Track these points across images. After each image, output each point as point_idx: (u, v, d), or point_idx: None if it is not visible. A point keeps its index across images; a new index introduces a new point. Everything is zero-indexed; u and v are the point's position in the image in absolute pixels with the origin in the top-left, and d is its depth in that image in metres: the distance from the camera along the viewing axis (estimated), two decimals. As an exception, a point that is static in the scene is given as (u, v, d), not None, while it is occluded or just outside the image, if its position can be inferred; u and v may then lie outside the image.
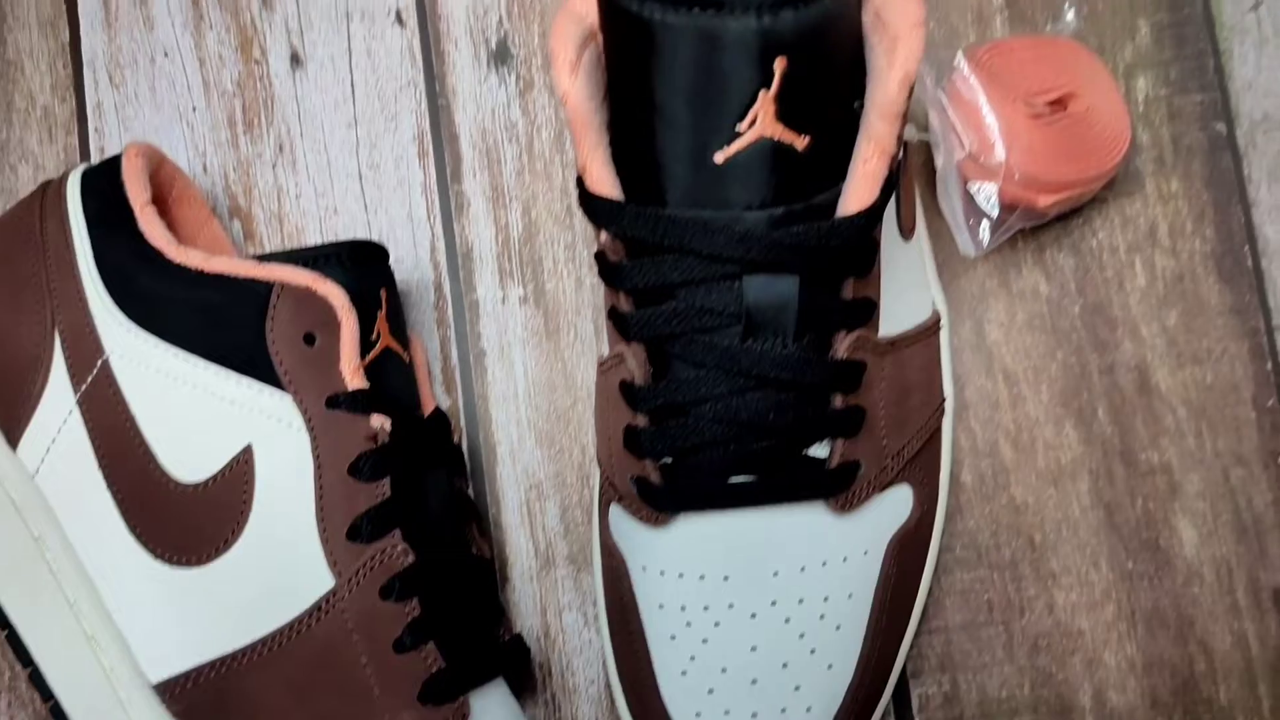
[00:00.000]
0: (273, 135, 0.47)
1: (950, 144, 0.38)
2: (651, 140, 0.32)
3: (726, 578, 0.37)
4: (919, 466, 0.40)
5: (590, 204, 0.33)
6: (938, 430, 0.41)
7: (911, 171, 0.39)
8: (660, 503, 0.36)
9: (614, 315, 0.35)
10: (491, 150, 0.47)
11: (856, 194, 0.33)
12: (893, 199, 0.37)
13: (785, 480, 0.36)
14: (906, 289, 0.40)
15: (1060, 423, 0.43)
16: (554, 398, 0.45)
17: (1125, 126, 0.42)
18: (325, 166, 0.47)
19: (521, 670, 0.43)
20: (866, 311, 0.35)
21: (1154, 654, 0.42)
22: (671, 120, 0.32)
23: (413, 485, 0.39)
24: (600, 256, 0.35)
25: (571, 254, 0.46)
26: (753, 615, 0.37)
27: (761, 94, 0.31)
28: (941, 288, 0.43)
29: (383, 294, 0.40)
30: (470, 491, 0.45)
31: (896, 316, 0.38)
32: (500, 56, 0.47)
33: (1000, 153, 0.38)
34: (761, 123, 0.31)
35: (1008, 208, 0.40)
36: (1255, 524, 0.42)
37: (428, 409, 0.43)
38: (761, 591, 0.37)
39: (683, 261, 0.33)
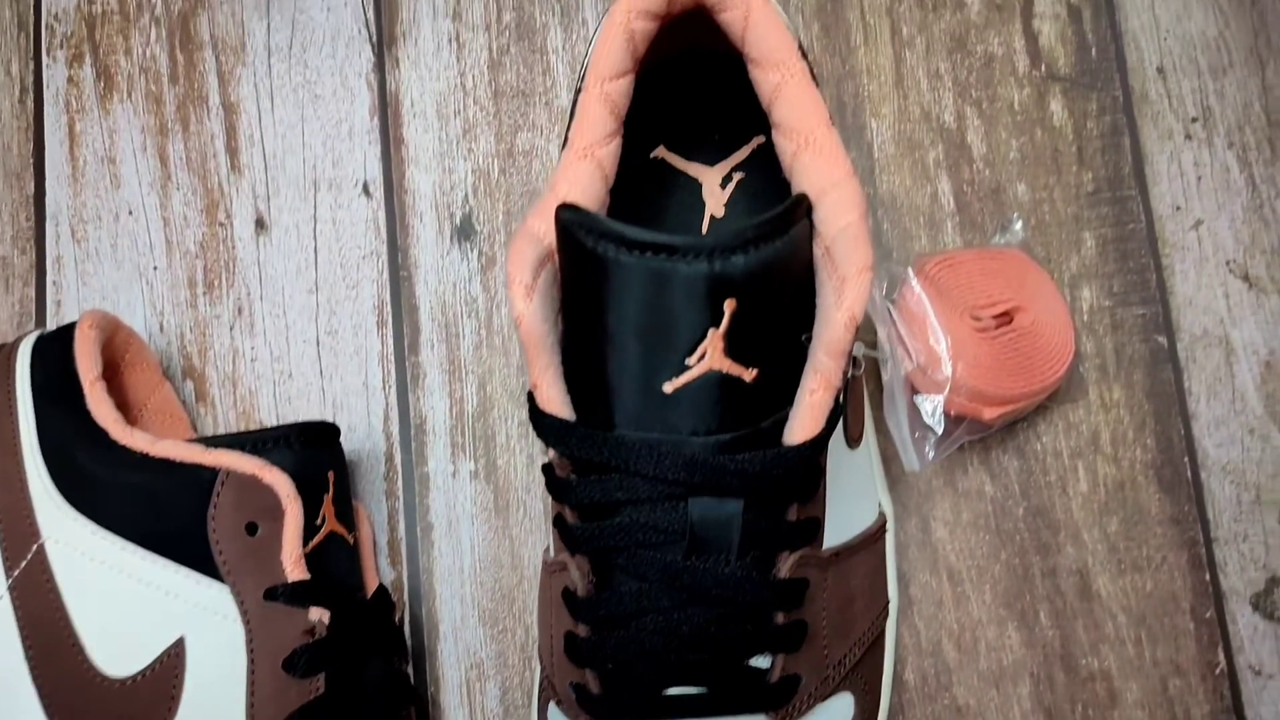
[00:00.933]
0: (232, 297, 0.47)
1: (898, 358, 0.39)
2: (603, 366, 0.33)
3: (658, 794, 0.36)
4: (861, 673, 0.40)
5: (540, 422, 0.34)
6: (881, 634, 0.41)
7: (860, 382, 0.40)
8: (598, 712, 0.36)
9: (560, 524, 0.36)
10: (450, 324, 0.47)
11: (802, 424, 0.33)
12: (840, 416, 0.38)
13: (725, 692, 0.36)
14: (852, 497, 0.40)
15: (1003, 624, 0.44)
16: (500, 575, 0.45)
17: (1069, 339, 0.43)
18: (283, 330, 0.47)
19: None
20: (810, 531, 0.36)
21: None
22: (622, 349, 0.32)
23: (350, 676, 0.38)
24: (548, 470, 0.35)
25: (525, 430, 0.46)
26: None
27: (711, 332, 0.31)
28: (888, 488, 0.44)
29: (330, 476, 0.40)
30: (409, 670, 0.45)
31: (842, 527, 0.39)
32: (464, 232, 0.48)
33: (947, 367, 0.39)
34: (710, 358, 0.32)
35: (954, 421, 0.40)
36: (1192, 737, 0.43)
37: (370, 588, 0.43)
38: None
39: (629, 482, 0.33)
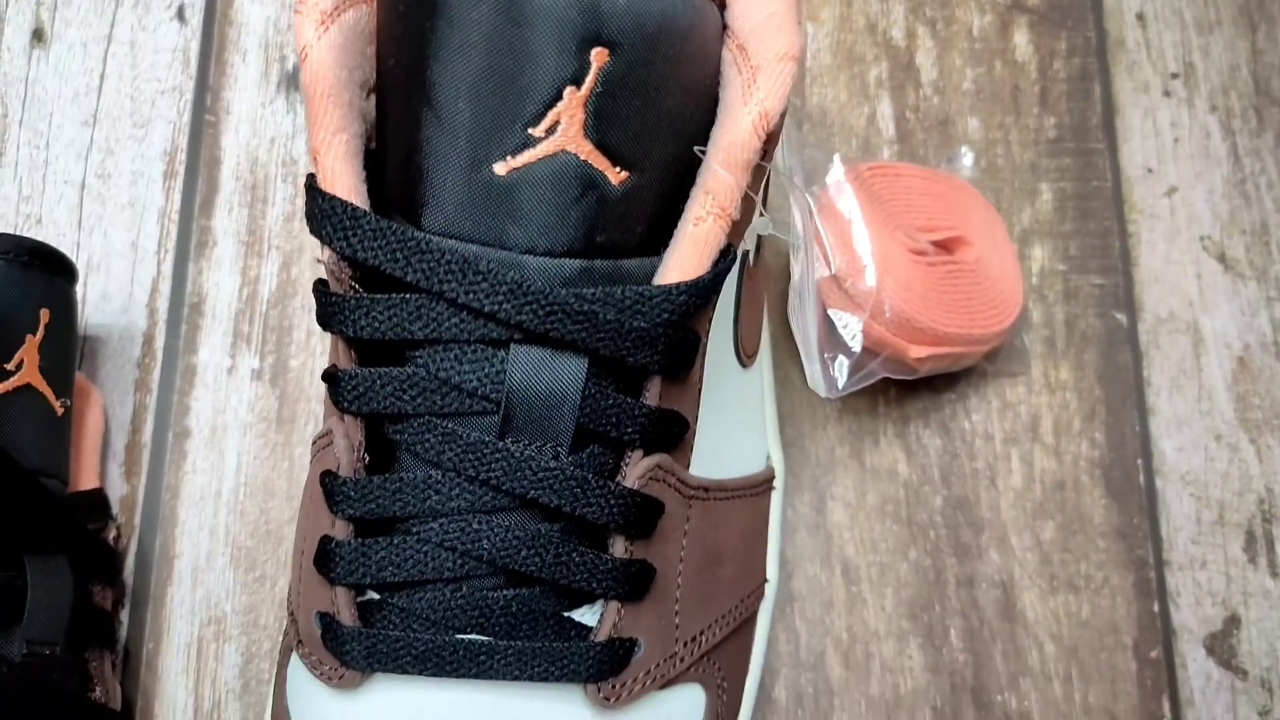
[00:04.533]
0: (-17, 117, 0.37)
1: (813, 255, 0.30)
2: (416, 136, 0.23)
3: (427, 781, 0.26)
4: (719, 663, 0.30)
5: (315, 207, 0.24)
6: (751, 619, 0.31)
7: (761, 279, 0.31)
8: (348, 655, 0.25)
9: (328, 376, 0.25)
10: (259, 186, 0.37)
11: (680, 261, 0.24)
12: (732, 308, 0.29)
13: (532, 649, 0.25)
14: (735, 428, 0.31)
15: (904, 639, 0.34)
16: (269, 506, 0.34)
17: (1018, 290, 0.35)
18: (41, 165, 0.37)
19: None
20: (675, 431, 0.26)
21: None
22: (445, 111, 0.23)
23: (7, 577, 0.27)
24: (320, 287, 0.25)
25: (332, 329, 0.36)
26: (455, 843, 0.25)
27: (569, 92, 0.22)
28: (781, 443, 0.34)
29: (42, 316, 0.30)
30: (123, 615, 0.33)
31: (718, 457, 0.29)
32: (295, 80, 0.38)
33: (870, 278, 0.31)
34: (565, 132, 0.23)
35: (871, 349, 0.32)
36: (1126, 807, 0.33)
37: (83, 485, 0.32)
38: (474, 808, 0.26)
39: (430, 309, 0.24)
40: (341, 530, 0.25)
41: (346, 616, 0.25)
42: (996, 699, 0.34)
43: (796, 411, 0.36)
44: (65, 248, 0.36)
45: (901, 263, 0.32)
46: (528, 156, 0.23)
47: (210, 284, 0.36)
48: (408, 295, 0.24)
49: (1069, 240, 0.38)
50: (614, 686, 0.27)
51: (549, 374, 0.24)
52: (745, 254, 0.29)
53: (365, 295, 0.24)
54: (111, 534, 0.32)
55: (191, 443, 0.35)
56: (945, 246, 0.34)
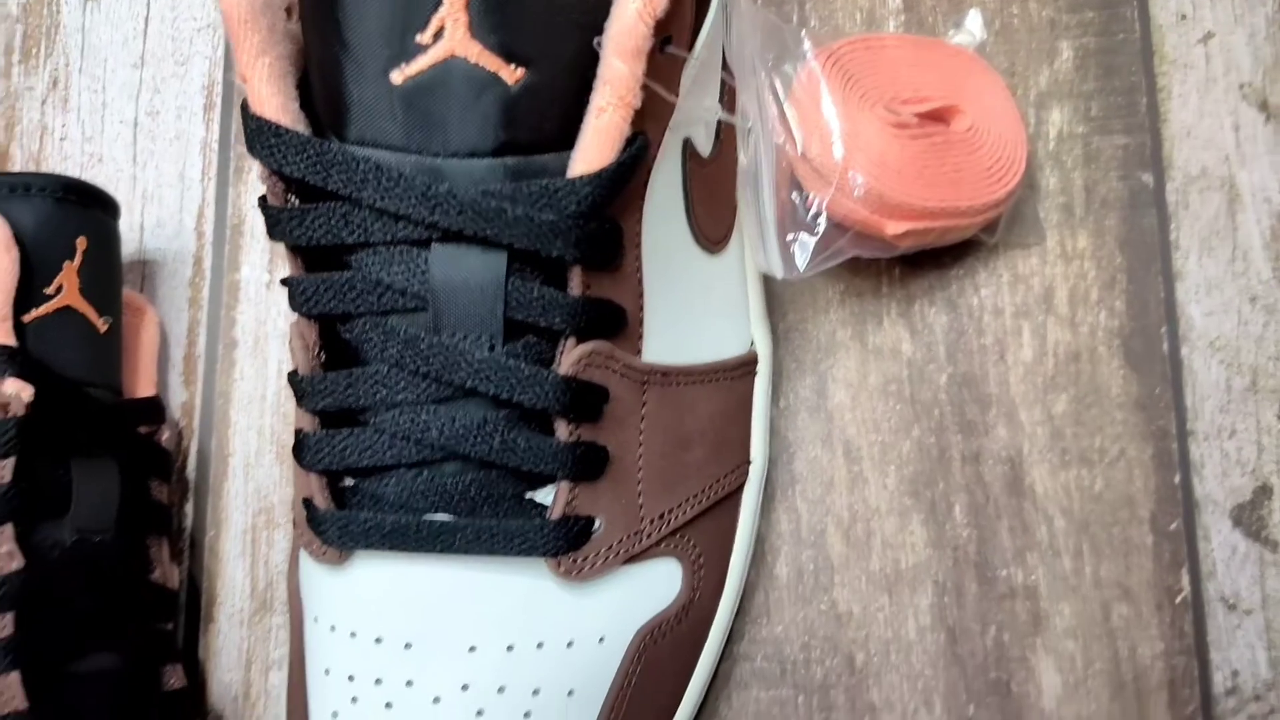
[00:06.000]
0: (49, 68, 0.41)
1: (770, 131, 0.30)
2: (328, 53, 0.25)
3: (409, 645, 0.28)
4: (696, 539, 0.31)
5: (247, 127, 0.26)
6: (732, 498, 0.32)
7: (722, 166, 0.31)
8: (326, 535, 0.28)
9: (283, 283, 0.28)
10: (286, 111, 0.40)
11: (586, 154, 0.25)
12: (680, 195, 0.29)
13: (491, 526, 0.27)
14: (707, 314, 0.31)
15: (906, 516, 0.34)
16: (308, 407, 0.37)
17: (1018, 158, 0.34)
18: (99, 108, 0.40)
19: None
20: (609, 320, 0.27)
21: (988, 831, 0.32)
22: (347, 26, 0.24)
23: (55, 475, 0.31)
24: (261, 202, 0.27)
25: (357, 241, 0.38)
26: (435, 699, 0.28)
27: (448, -5, 0.23)
28: (769, 327, 0.35)
29: (79, 244, 0.33)
30: (188, 508, 0.37)
31: (680, 342, 0.30)
32: (313, 6, 0.40)
33: (837, 151, 0.30)
34: (451, 35, 0.24)
35: (839, 226, 0.31)
36: (1137, 680, 0.33)
37: (140, 394, 0.36)
38: (451, 670, 0.28)
39: (356, 216, 0.25)
40: (309, 423, 0.28)
41: (321, 500, 0.28)
42: (1001, 573, 0.34)
43: (798, 297, 0.36)
44: (123, 181, 0.40)
45: (876, 138, 0.32)
46: (419, 64, 0.24)
47: (248, 206, 0.39)
48: (334, 204, 0.26)
49: (1090, 100, 0.36)
50: (574, 561, 0.28)
51: (470, 269, 0.26)
52: (687, 141, 0.29)
53: (299, 206, 0.26)
54: (165, 436, 0.36)
55: (239, 352, 0.38)
56: (938, 116, 0.33)
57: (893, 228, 0.31)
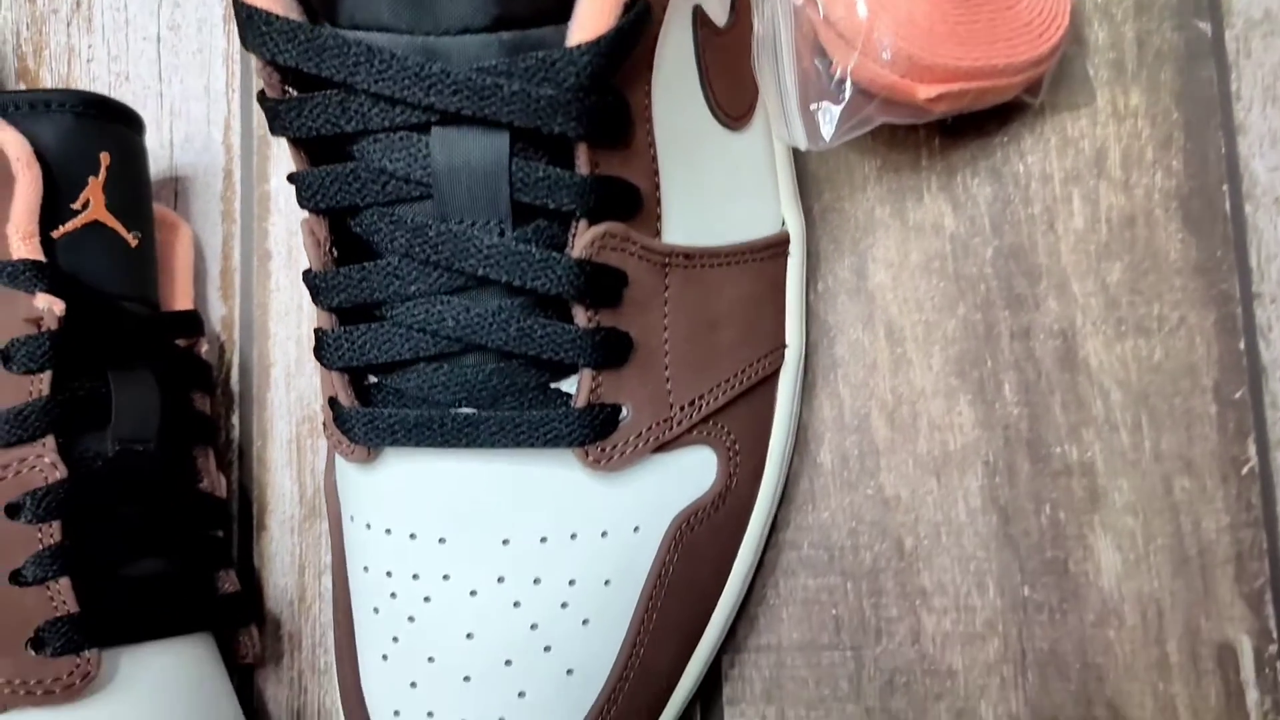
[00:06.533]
0: (71, -12, 0.41)
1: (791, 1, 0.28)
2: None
3: (443, 540, 0.28)
4: (730, 426, 0.30)
5: (240, 19, 0.25)
6: (768, 382, 0.32)
7: (744, 39, 0.30)
8: (351, 432, 0.28)
9: (289, 179, 0.27)
10: (304, 16, 0.39)
11: (581, 23, 0.24)
12: (694, 68, 0.28)
13: (515, 418, 0.27)
14: (734, 193, 0.30)
15: (953, 397, 0.33)
16: (344, 315, 0.37)
17: (1061, 10, 0.32)
18: (123, 26, 0.40)
19: (234, 632, 0.35)
20: (622, 199, 0.26)
21: (1045, 711, 0.32)
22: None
23: (93, 388, 0.31)
24: (260, 96, 0.26)
25: (383, 145, 0.38)
26: (472, 593, 0.28)
27: None
28: (800, 205, 0.33)
29: (103, 159, 0.33)
30: (234, 419, 0.38)
31: (704, 223, 0.29)
32: (325, -95, 0.39)
33: (862, 10, 0.29)
34: (433, -98, 0.23)
35: (866, 92, 0.30)
36: (1201, 555, 0.31)
37: (178, 307, 0.36)
38: (486, 563, 0.28)
39: (353, 102, 0.25)
40: (326, 320, 0.28)
41: (345, 399, 0.28)
42: (1055, 450, 0.33)
43: (833, 175, 0.35)
44: (150, 98, 0.40)
45: (906, -4, 0.30)
46: (404, -64, 0.23)
47: (273, 116, 0.39)
48: (330, 92, 0.25)
49: (1142, -55, 0.34)
50: (603, 450, 0.28)
51: (471, 152, 0.25)
52: (698, 9, 0.28)
53: (295, 97, 0.25)
54: (204, 348, 0.36)
55: (274, 263, 0.38)
56: (971, -28, 0.31)
57: (925, 92, 0.30)
